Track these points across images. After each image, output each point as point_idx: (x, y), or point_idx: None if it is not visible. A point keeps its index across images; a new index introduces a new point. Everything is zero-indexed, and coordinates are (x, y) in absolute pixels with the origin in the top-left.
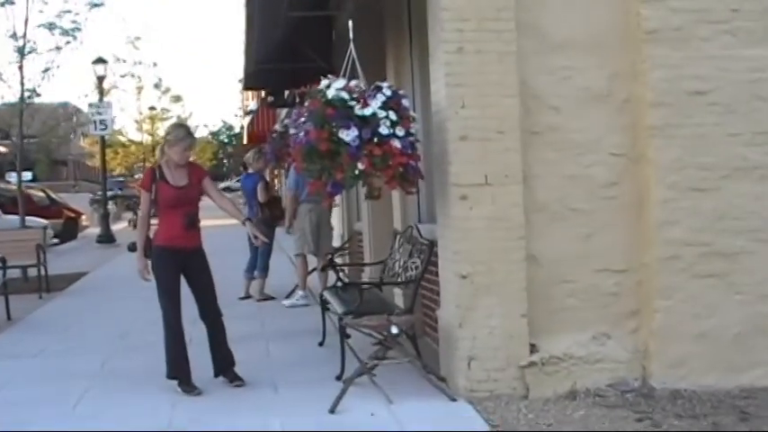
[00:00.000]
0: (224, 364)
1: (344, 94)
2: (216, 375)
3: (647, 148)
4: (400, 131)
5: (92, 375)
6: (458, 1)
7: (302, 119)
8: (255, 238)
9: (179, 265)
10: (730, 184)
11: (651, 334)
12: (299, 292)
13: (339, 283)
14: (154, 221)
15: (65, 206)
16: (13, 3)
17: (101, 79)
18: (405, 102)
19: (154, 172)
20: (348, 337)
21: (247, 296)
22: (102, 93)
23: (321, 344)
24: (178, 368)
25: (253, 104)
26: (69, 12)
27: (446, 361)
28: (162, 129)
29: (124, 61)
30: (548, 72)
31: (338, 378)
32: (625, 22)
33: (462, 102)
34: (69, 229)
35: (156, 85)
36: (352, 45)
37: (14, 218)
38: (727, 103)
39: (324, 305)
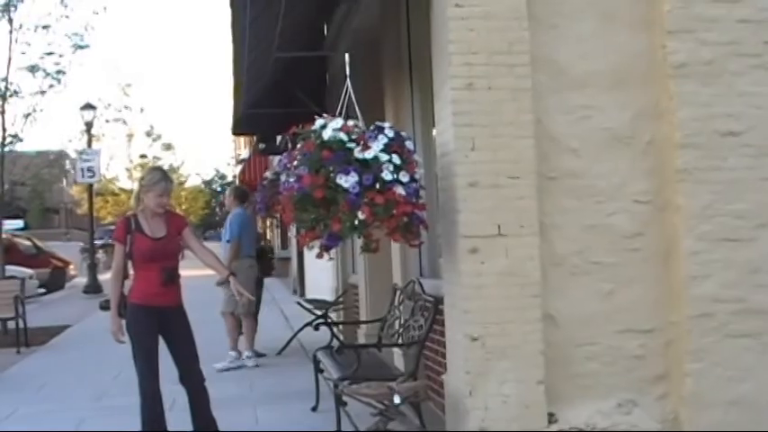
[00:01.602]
0: None
1: (343, 135)
2: None
3: (675, 195)
4: (404, 177)
5: None
6: (466, 33)
7: (294, 162)
8: (240, 295)
9: (156, 324)
10: (766, 233)
11: (681, 400)
12: (246, 353)
13: (334, 342)
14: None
15: (52, 255)
16: None
17: (89, 125)
18: (409, 144)
19: (128, 222)
20: (344, 404)
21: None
22: (90, 139)
23: (314, 409)
24: None
25: (246, 153)
26: (52, 53)
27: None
28: None
29: (110, 107)
30: (565, 111)
31: None
32: (650, 57)
33: (472, 144)
34: (56, 279)
35: (148, 133)
36: (348, 82)
37: None
38: (762, 144)
39: (317, 366)
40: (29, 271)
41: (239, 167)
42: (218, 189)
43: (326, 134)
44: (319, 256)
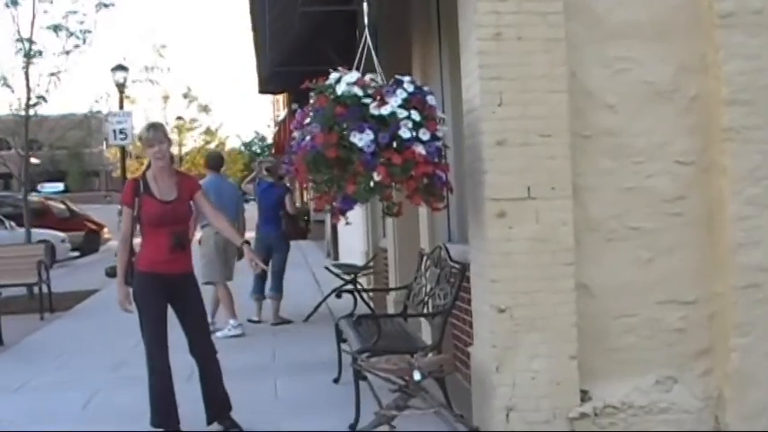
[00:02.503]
0: (218, 410)
1: (358, 90)
2: (209, 422)
3: (721, 155)
4: (425, 135)
5: (71, 417)
6: None
7: (307, 120)
8: (255, 264)
9: (165, 293)
10: None
11: (725, 377)
12: (231, 321)
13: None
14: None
15: (86, 218)
16: (17, 3)
17: (120, 87)
18: (430, 99)
19: (137, 184)
20: (364, 378)
21: (259, 320)
22: (122, 101)
23: (336, 380)
24: (164, 417)
25: (284, 114)
26: (75, 12)
27: (480, 410)
28: (191, 140)
29: (146, 69)
30: (602, 64)
31: (352, 428)
32: (694, 5)
33: (500, 99)
34: (91, 242)
35: (185, 95)
36: (366, 32)
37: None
38: None
39: (339, 336)
40: (61, 234)
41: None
42: (258, 151)
43: (340, 89)
44: (335, 219)
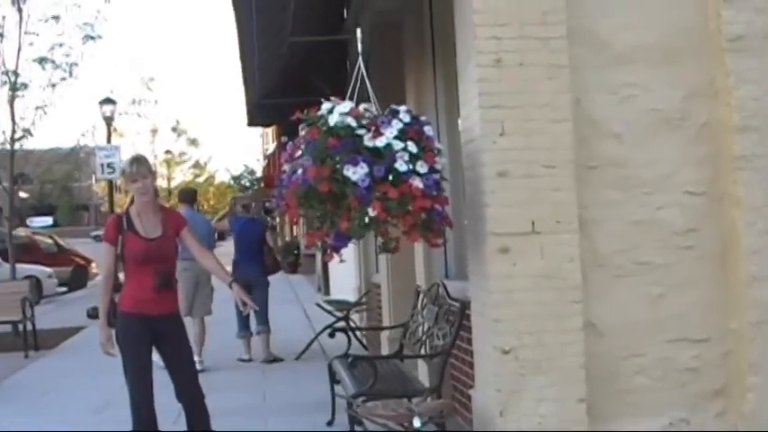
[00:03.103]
0: None
1: (351, 121)
2: None
3: (733, 185)
4: (422, 167)
5: None
6: (493, 1)
7: (298, 152)
8: (244, 305)
9: (149, 334)
10: None
11: (742, 418)
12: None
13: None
14: None
15: (74, 253)
16: (2, 36)
17: (108, 120)
18: (428, 130)
19: (120, 220)
20: (359, 423)
21: (250, 359)
22: (109, 134)
23: (330, 423)
24: None
25: (273, 147)
26: (62, 45)
27: None
28: (180, 173)
29: (135, 102)
30: (608, 90)
31: None
32: (703, 28)
33: (501, 128)
34: (78, 277)
35: (174, 128)
36: (360, 59)
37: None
38: None
39: (332, 377)
40: (48, 270)
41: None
42: (247, 185)
43: (333, 119)
44: (327, 258)
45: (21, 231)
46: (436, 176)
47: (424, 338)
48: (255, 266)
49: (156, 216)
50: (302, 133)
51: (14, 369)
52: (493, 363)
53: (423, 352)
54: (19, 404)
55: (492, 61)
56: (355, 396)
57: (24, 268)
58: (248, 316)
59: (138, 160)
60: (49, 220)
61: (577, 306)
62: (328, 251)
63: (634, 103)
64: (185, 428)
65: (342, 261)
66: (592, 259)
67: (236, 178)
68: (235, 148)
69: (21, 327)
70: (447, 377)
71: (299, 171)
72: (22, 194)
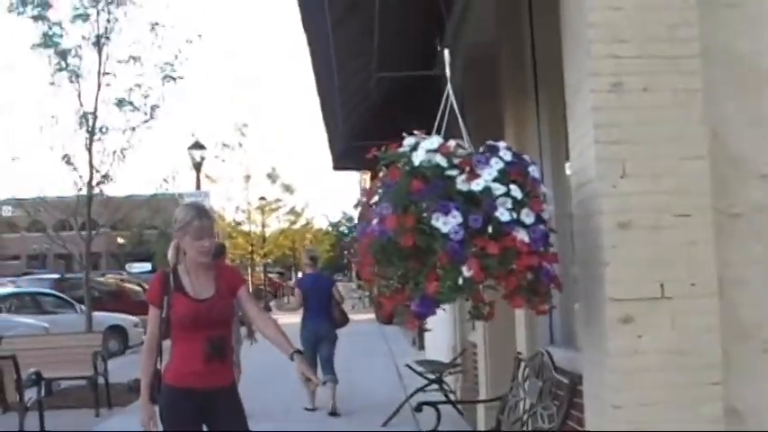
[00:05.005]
0: None
1: (440, 159)
2: None
3: None
4: (528, 217)
5: None
6: (611, 14)
7: (375, 198)
8: (308, 379)
9: (198, 412)
10: None
11: None
12: None
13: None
14: None
15: None
16: (80, 76)
17: (197, 166)
18: (533, 171)
19: (165, 278)
20: None
21: (314, 408)
22: (198, 180)
23: None
24: None
25: None
26: (140, 86)
27: None
28: (275, 220)
29: (228, 148)
30: (752, 121)
31: None
32: None
33: (622, 169)
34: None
35: (270, 175)
36: (449, 86)
37: (101, 315)
38: None
39: None
40: (134, 318)
41: None
42: (345, 231)
43: (418, 158)
44: (411, 326)
45: (110, 278)
46: (543, 228)
47: (525, 418)
48: (324, 321)
49: (207, 273)
50: (381, 175)
51: (82, 429)
52: None
53: None
54: None
55: (610, 85)
56: None
57: (110, 317)
58: (315, 364)
59: (208, 214)
60: (147, 266)
61: (717, 389)
62: (411, 318)
63: None
64: None
65: (425, 330)
66: (735, 330)
67: (334, 225)
68: (331, 194)
69: (101, 380)
70: None
71: (375, 221)
72: (120, 240)
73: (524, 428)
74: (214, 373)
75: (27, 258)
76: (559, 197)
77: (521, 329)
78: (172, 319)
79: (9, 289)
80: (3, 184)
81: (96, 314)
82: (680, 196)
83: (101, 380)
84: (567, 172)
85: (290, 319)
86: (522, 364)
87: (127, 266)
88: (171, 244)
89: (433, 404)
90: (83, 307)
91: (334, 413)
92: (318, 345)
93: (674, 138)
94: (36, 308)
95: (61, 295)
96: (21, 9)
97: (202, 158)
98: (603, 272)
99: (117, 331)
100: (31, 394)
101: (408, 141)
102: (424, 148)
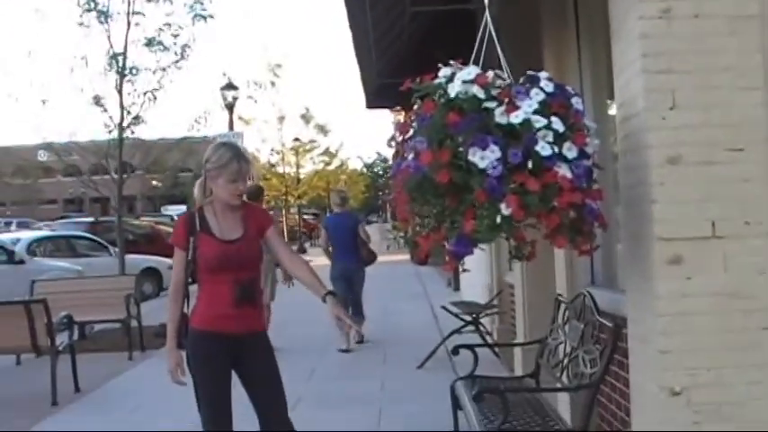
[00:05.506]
0: None
1: (478, 91)
2: None
3: None
4: (571, 151)
5: None
6: None
7: (409, 133)
8: (339, 319)
9: (227, 357)
10: None
11: None
12: None
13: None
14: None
15: None
16: (109, 16)
17: (230, 107)
18: (576, 102)
19: (191, 219)
20: None
21: (348, 348)
22: (231, 122)
23: None
24: None
25: None
26: (170, 26)
27: None
28: (309, 161)
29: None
30: None
31: None
32: None
33: (672, 100)
34: None
35: (304, 116)
36: (487, 12)
37: (135, 257)
38: None
39: (455, 403)
40: (169, 261)
41: None
42: (380, 172)
43: (454, 89)
44: (448, 267)
45: (144, 221)
46: (587, 163)
47: (566, 362)
48: (354, 260)
49: (235, 213)
50: (415, 108)
51: (114, 373)
52: (658, 406)
53: (564, 378)
54: (108, 415)
55: (659, 11)
56: None
57: (145, 259)
58: (347, 303)
59: (246, 156)
60: (182, 209)
61: None
62: (449, 258)
63: None
64: None
65: (464, 270)
66: None
67: (369, 166)
68: (366, 134)
69: (134, 323)
70: (595, 415)
71: (410, 156)
72: (155, 183)
73: (565, 374)
74: (245, 317)
75: (63, 202)
76: (601, 131)
77: (560, 270)
78: (198, 261)
79: (44, 233)
80: (36, 128)
81: (130, 257)
82: (733, 130)
83: (134, 323)
84: (610, 104)
85: (326, 261)
86: (563, 306)
87: (162, 209)
88: (197, 182)
89: (470, 347)
90: (116, 249)
91: (361, 341)
92: (350, 285)
93: (728, 67)
94: (71, 251)
95: (95, 238)
96: None
97: (235, 99)
98: (651, 210)
99: (151, 274)
100: (63, 338)
101: (444, 72)
102: (460, 79)
